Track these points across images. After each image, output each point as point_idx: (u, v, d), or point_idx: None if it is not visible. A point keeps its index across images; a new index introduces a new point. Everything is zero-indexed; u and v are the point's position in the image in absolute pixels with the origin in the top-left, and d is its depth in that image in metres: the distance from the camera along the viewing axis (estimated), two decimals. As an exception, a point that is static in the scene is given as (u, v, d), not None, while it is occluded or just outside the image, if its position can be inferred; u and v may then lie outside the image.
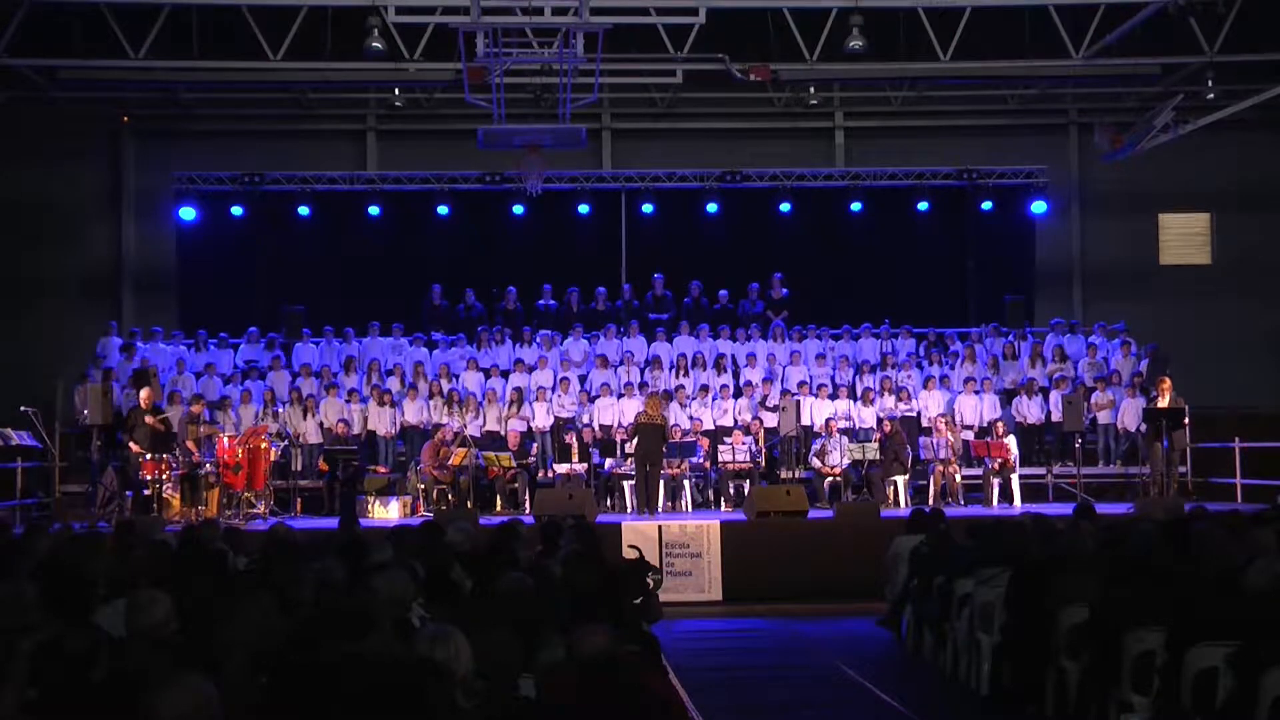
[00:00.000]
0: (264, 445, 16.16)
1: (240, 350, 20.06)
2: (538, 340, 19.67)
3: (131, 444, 15.51)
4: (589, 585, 6.70)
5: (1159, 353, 19.19)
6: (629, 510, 16.52)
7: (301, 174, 21.39)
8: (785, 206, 21.48)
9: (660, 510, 16.29)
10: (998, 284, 21.67)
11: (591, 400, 18.47)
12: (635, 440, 16.27)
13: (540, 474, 17.73)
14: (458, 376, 18.93)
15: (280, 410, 18.07)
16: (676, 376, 19.00)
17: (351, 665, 4.60)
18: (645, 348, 19.90)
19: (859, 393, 18.63)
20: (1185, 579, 7.00)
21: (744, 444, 17.48)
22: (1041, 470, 18.16)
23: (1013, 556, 8.80)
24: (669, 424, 16.80)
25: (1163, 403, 16.43)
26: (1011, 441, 17.55)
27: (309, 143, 22.84)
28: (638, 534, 13.84)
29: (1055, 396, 18.51)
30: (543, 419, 18.23)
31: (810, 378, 19.09)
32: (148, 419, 15.48)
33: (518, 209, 21.25)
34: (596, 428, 18.03)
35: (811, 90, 21.83)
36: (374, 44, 17.38)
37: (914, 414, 18.45)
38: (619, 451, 17.39)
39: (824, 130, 23.26)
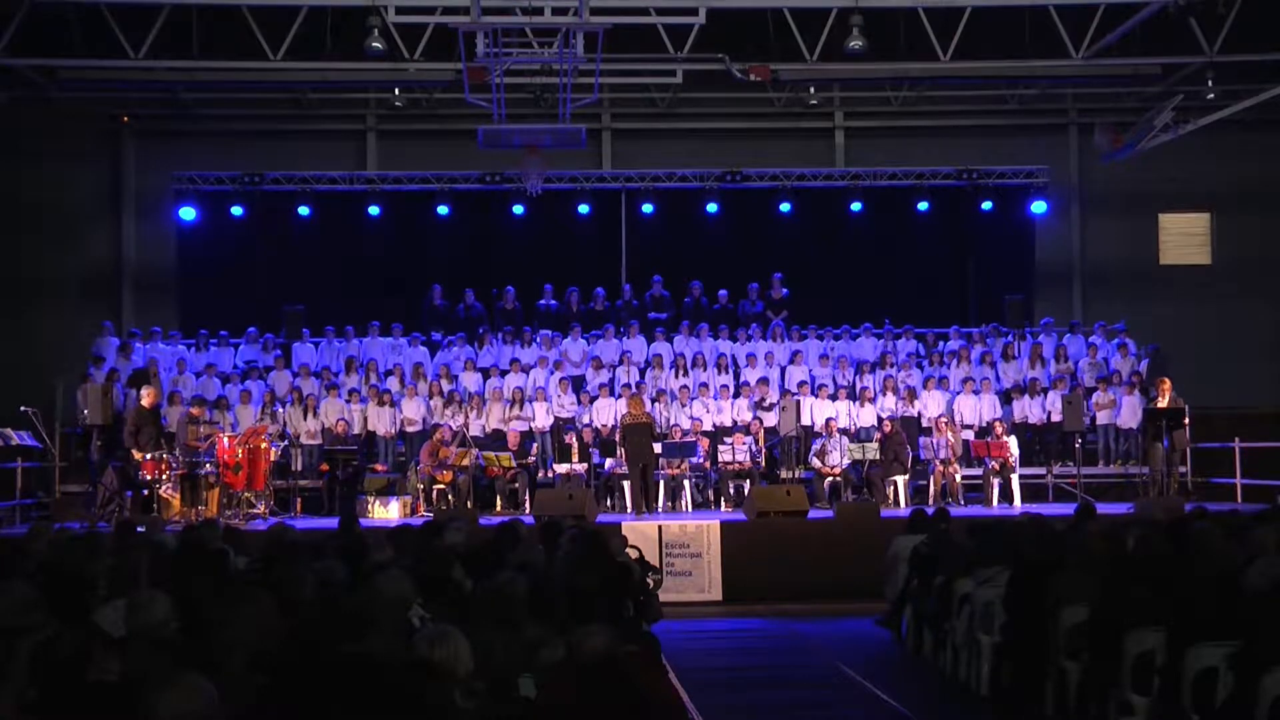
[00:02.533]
0: (264, 445, 16.15)
1: (240, 350, 20.06)
2: (537, 340, 19.67)
3: (134, 451, 15.47)
4: (589, 585, 6.70)
5: (1159, 353, 19.20)
6: (629, 510, 16.51)
7: (301, 174, 21.38)
8: (785, 206, 21.48)
9: (660, 510, 16.30)
10: (998, 284, 21.67)
11: (591, 400, 18.48)
12: (625, 443, 16.27)
13: (540, 474, 17.73)
14: (457, 377, 18.94)
15: (280, 410, 18.07)
16: (676, 376, 18.99)
17: (351, 665, 4.60)
18: (645, 348, 19.90)
19: (859, 393, 18.64)
20: (1185, 579, 6.99)
21: (744, 444, 17.48)
22: (1041, 470, 18.17)
23: (1013, 556, 8.79)
24: (655, 421, 16.80)
25: (1162, 403, 16.44)
26: (1012, 441, 17.55)
27: (309, 143, 22.83)
28: (638, 534, 13.83)
29: (1055, 396, 18.52)
30: (543, 419, 18.24)
31: (810, 378, 19.09)
32: (145, 400, 15.55)
33: (518, 209, 21.25)
34: (597, 427, 18.03)
35: (811, 90, 21.83)
36: (374, 44, 17.38)
37: (914, 414, 18.45)
38: (619, 452, 17.38)
39: (824, 130, 23.26)
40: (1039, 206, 21.70)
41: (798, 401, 17.64)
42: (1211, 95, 19.86)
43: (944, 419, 17.86)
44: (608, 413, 18.15)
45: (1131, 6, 17.67)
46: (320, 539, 9.46)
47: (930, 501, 16.73)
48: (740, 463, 17.34)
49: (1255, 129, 21.66)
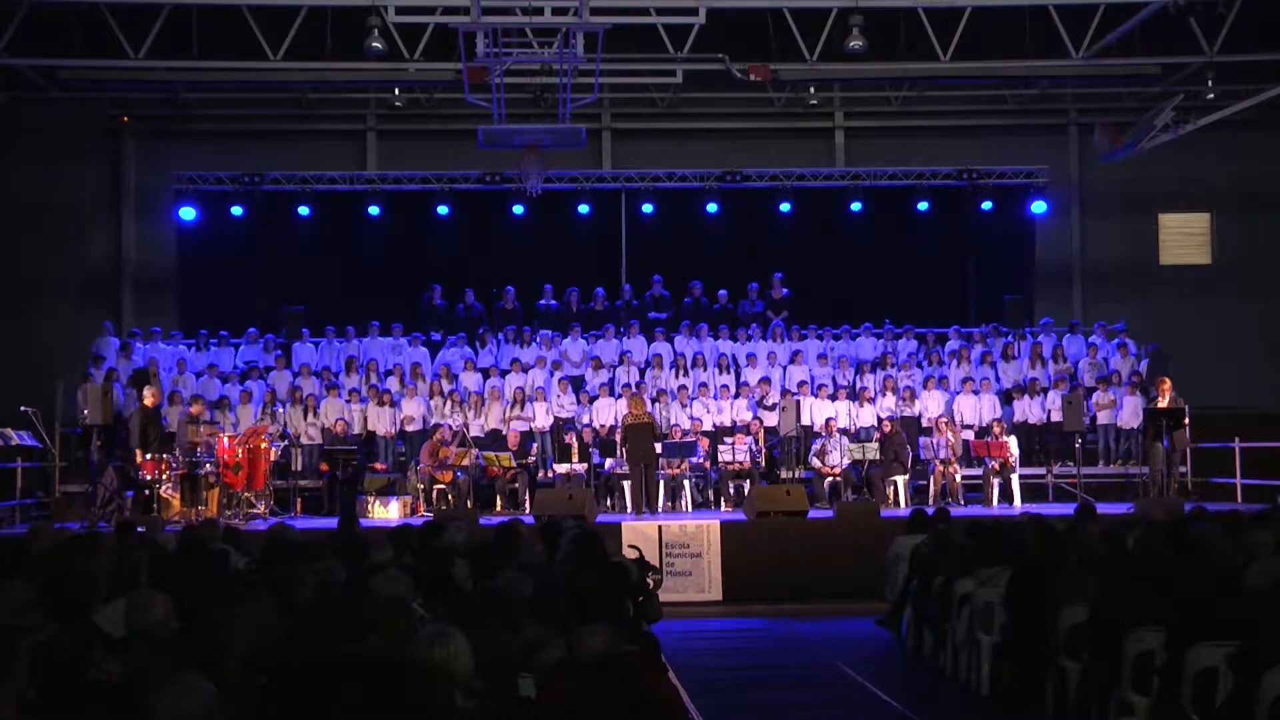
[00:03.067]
0: (264, 445, 16.15)
1: (240, 351, 20.06)
2: (537, 340, 19.67)
3: (138, 451, 15.47)
4: (589, 585, 6.70)
5: (1159, 353, 19.19)
6: (629, 510, 16.51)
7: (301, 174, 21.39)
8: (785, 206, 21.48)
9: (660, 510, 16.29)
10: (998, 284, 21.69)
11: (591, 400, 18.48)
12: (627, 443, 16.27)
13: (540, 474, 17.73)
14: (457, 377, 18.94)
15: (280, 410, 18.07)
16: (677, 376, 18.99)
17: (351, 665, 4.60)
18: (645, 348, 19.91)
19: (859, 393, 18.63)
20: (1185, 579, 7.00)
21: (744, 444, 17.48)
22: (1041, 470, 18.16)
23: (1013, 556, 8.80)
24: (657, 421, 16.81)
25: (1163, 403, 16.44)
26: (1011, 441, 17.55)
27: (309, 143, 22.84)
28: (638, 534, 13.84)
29: (1055, 396, 18.52)
30: (542, 419, 18.24)
31: (811, 378, 19.09)
32: (148, 400, 15.57)
33: (518, 209, 21.26)
34: (596, 427, 18.03)
35: (811, 90, 21.83)
36: (374, 44, 17.36)
37: (914, 414, 18.45)
38: (619, 451, 17.38)
39: (824, 130, 23.26)
40: (1039, 206, 21.71)
41: (798, 401, 17.64)
42: (1211, 95, 19.87)
43: (944, 419, 17.86)
44: (608, 413, 18.15)
45: (1131, 6, 17.66)
46: (320, 539, 9.46)
47: (930, 501, 16.73)
48: (740, 463, 17.34)
49: (1255, 129, 21.64)
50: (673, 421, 17.59)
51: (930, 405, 18.52)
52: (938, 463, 17.37)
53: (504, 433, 17.88)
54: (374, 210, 21.25)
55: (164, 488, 15.32)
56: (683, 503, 17.12)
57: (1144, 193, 22.70)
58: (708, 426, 18.12)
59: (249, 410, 17.96)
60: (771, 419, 18.00)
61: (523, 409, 18.14)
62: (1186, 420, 16.57)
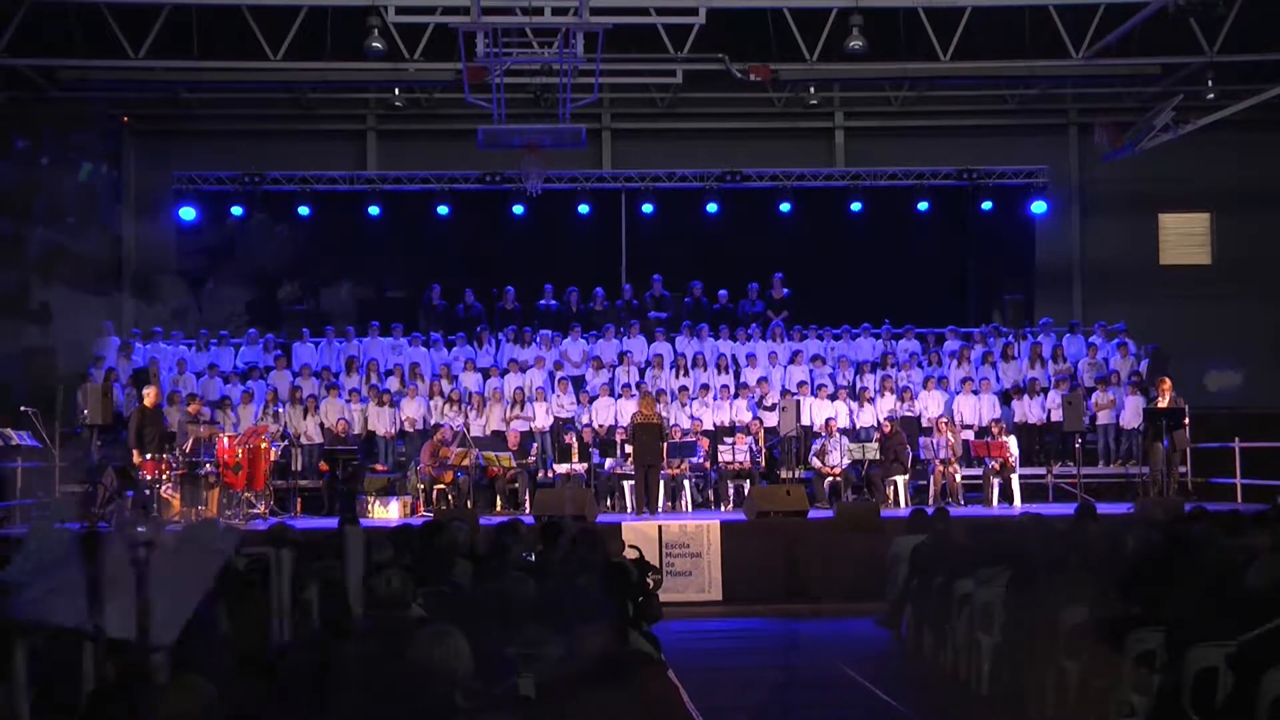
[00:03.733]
0: (264, 445, 16.15)
1: (240, 351, 20.06)
2: (537, 340, 19.67)
3: (135, 451, 15.49)
4: (589, 585, 6.70)
5: (1159, 353, 19.20)
6: (629, 510, 16.51)
7: (301, 174, 21.39)
8: (785, 206, 21.49)
9: (660, 510, 16.29)
10: (998, 284, 21.69)
11: (591, 400, 18.48)
12: (634, 440, 16.27)
13: (540, 474, 17.73)
14: (457, 377, 18.94)
15: (280, 410, 18.07)
16: (677, 376, 18.99)
17: (351, 665, 4.60)
18: (645, 348, 19.90)
19: (859, 393, 18.64)
20: (1185, 579, 6.99)
21: (744, 444, 17.48)
22: (1041, 470, 18.16)
23: (1013, 556, 8.80)
24: (665, 423, 16.83)
25: (1163, 403, 16.44)
26: (1011, 441, 17.55)
27: (309, 143, 22.84)
28: (638, 534, 13.84)
29: (1055, 396, 18.52)
30: (542, 419, 18.24)
31: (810, 378, 19.09)
32: (147, 400, 15.57)
33: (518, 209, 21.26)
34: (596, 427, 18.04)
35: (811, 90, 21.81)
36: (374, 44, 17.39)
37: (914, 414, 18.45)
38: (619, 451, 17.39)
39: (824, 130, 23.27)
40: (1039, 206, 21.72)
41: (798, 401, 17.63)
42: (1211, 95, 19.88)
43: (944, 419, 17.85)
44: (608, 413, 18.15)
45: (1131, 6, 17.68)
46: (320, 539, 9.45)
47: (930, 501, 16.73)
48: (740, 463, 17.34)
49: (1255, 129, 21.66)
50: (673, 421, 17.59)
51: (930, 405, 18.52)
52: (938, 463, 17.36)
53: (504, 433, 17.88)
54: (374, 210, 21.25)
55: (164, 488, 15.31)
56: (683, 503, 17.12)
57: (1144, 193, 22.71)
58: (708, 426, 18.12)
59: (249, 410, 17.96)
60: (771, 419, 18.00)
61: (523, 409, 18.13)
62: (1186, 420, 16.57)
